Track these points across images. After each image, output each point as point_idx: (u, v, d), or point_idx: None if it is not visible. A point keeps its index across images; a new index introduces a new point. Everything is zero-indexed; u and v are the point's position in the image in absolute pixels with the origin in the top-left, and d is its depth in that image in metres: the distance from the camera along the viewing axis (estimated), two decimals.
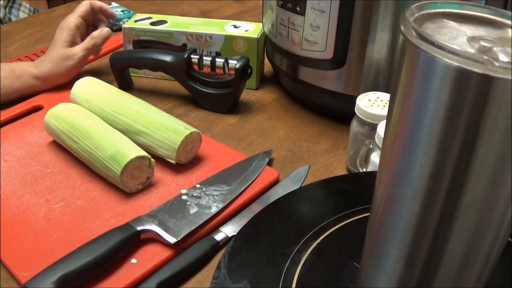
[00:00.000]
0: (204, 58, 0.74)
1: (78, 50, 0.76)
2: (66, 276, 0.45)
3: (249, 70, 0.75)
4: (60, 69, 0.75)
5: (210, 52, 0.81)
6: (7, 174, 0.61)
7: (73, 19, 0.77)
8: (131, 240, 0.50)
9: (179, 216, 0.54)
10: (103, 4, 0.81)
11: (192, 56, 0.74)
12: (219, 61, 0.73)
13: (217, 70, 0.74)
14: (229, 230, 0.54)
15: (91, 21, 0.81)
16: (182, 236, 0.51)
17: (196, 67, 0.75)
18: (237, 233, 0.50)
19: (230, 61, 0.73)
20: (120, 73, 0.79)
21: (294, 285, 0.43)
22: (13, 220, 0.54)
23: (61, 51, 0.75)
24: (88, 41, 0.77)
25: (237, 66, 0.72)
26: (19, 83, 0.75)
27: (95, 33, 0.78)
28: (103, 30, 0.79)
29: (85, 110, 0.66)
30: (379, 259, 0.36)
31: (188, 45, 0.81)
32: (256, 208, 0.56)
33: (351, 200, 0.53)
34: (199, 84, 0.76)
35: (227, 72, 0.74)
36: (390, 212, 0.34)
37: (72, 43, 0.77)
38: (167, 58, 0.75)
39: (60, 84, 0.78)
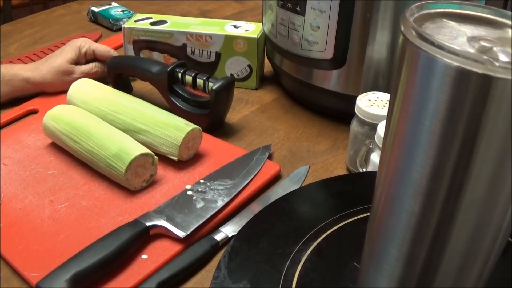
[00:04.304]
0: (186, 74, 0.69)
1: (79, 72, 0.78)
2: (79, 274, 0.45)
3: (229, 92, 0.69)
4: (54, 79, 0.76)
5: (210, 53, 0.81)
6: (8, 177, 0.60)
7: (87, 47, 0.79)
8: (141, 236, 0.50)
9: (186, 211, 0.54)
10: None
11: (176, 70, 0.70)
12: (200, 79, 0.68)
13: (199, 89, 0.70)
14: (229, 230, 0.54)
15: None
16: (191, 230, 0.52)
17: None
18: (237, 233, 0.50)
19: (210, 81, 0.68)
20: (115, 78, 0.78)
21: (294, 285, 0.43)
22: (18, 222, 0.54)
23: (64, 64, 0.77)
24: (90, 67, 0.79)
25: (213, 87, 0.66)
26: (7, 88, 0.75)
27: (100, 64, 0.80)
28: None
29: (84, 110, 0.66)
30: (379, 259, 0.36)
31: (188, 45, 0.81)
32: (256, 208, 0.56)
33: (351, 200, 0.53)
34: (180, 101, 0.71)
35: (207, 92, 0.69)
36: (390, 212, 0.34)
37: (76, 62, 0.79)
38: (154, 68, 0.72)
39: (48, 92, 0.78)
